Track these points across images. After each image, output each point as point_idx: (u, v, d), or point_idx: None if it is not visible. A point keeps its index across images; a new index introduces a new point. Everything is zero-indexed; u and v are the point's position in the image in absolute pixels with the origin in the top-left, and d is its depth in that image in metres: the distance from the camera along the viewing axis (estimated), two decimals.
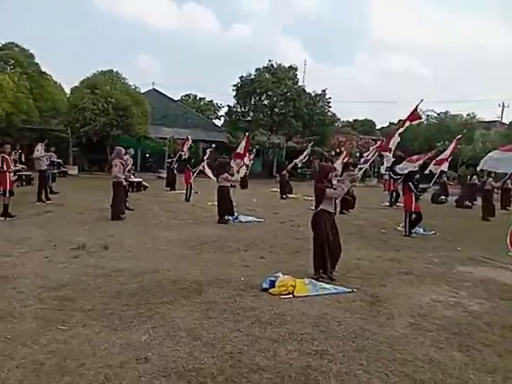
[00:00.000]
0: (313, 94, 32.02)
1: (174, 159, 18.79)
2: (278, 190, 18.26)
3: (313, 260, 6.01)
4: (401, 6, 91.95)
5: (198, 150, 31.24)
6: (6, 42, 27.59)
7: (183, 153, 17.36)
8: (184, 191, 15.07)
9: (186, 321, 4.13)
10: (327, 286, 5.47)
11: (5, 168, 9.03)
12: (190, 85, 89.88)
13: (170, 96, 39.03)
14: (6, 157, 9.11)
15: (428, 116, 39.05)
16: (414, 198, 9.81)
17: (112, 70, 27.58)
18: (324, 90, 32.57)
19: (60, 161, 18.84)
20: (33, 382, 2.93)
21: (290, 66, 31.20)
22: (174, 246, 7.48)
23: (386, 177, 17.56)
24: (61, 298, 4.55)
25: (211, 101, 58.46)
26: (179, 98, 51.84)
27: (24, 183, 11.13)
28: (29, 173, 11.17)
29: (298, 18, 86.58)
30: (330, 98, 32.86)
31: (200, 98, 58.15)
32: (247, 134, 13.15)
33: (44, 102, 27.66)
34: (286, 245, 8.18)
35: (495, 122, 41.67)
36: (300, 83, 32.44)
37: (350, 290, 5.44)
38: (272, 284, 5.26)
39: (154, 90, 36.68)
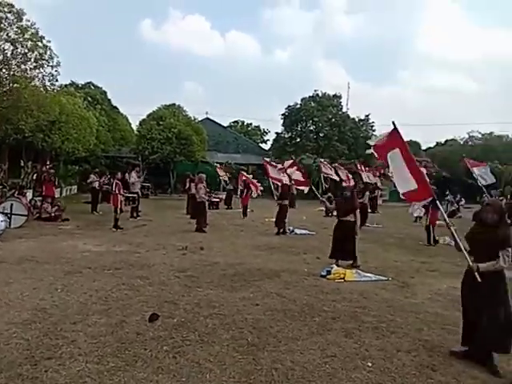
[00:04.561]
0: (357, 119, 33.99)
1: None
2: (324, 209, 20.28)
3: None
4: (446, 22, 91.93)
5: (248, 173, 34.00)
6: (85, 82, 32.06)
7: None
8: (241, 209, 17.61)
9: (273, 289, 6.34)
10: (369, 275, 7.51)
11: (117, 191, 11.84)
12: (238, 111, 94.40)
13: (221, 123, 42.65)
14: (118, 182, 11.94)
15: (472, 137, 39.70)
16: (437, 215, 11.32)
17: (174, 104, 31.21)
18: (367, 115, 34.57)
19: (149, 185, 22.29)
20: (198, 311, 5.20)
21: (335, 95, 33.53)
22: (249, 249, 9.78)
23: None
24: (188, 276, 6.92)
25: (258, 126, 61.79)
26: (228, 124, 55.57)
27: (130, 203, 14.04)
28: (133, 195, 14.06)
29: (338, 39, 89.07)
30: (373, 122, 34.79)
31: (247, 124, 61.60)
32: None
33: (115, 132, 31.75)
34: None
35: None
36: (344, 106, 34.65)
37: (386, 278, 7.44)
38: (328, 272, 7.38)
39: (208, 118, 40.20)
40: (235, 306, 5.43)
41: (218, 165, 21.44)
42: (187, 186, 16.72)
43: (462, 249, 4.14)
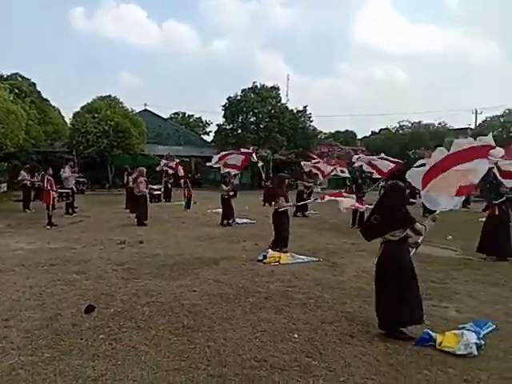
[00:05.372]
0: (295, 111, 34.84)
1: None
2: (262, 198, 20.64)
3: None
4: (381, 15, 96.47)
5: (191, 165, 33.97)
6: (11, 73, 29.90)
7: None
8: (183, 202, 17.60)
9: (211, 275, 6.60)
10: (302, 257, 7.99)
11: (49, 187, 11.40)
12: (178, 102, 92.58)
13: (161, 115, 41.76)
14: (50, 178, 11.50)
15: (403, 126, 42.32)
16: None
17: (110, 95, 30.07)
18: (305, 107, 35.50)
19: (85, 180, 21.79)
20: (135, 300, 5.32)
21: (273, 86, 34.08)
22: (189, 240, 9.93)
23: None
24: (126, 269, 6.96)
25: (199, 117, 61.14)
26: (169, 116, 54.42)
27: (64, 199, 13.47)
28: (67, 190, 13.50)
29: (277, 31, 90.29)
30: (310, 113, 35.80)
31: (189, 116, 60.76)
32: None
33: (46, 126, 30.02)
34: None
35: (466, 129, 44.88)
36: (284, 98, 35.38)
37: (317, 259, 7.98)
38: (264, 257, 7.76)
39: (146, 110, 39.17)
40: (173, 294, 5.61)
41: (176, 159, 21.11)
42: (125, 179, 16.40)
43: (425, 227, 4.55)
